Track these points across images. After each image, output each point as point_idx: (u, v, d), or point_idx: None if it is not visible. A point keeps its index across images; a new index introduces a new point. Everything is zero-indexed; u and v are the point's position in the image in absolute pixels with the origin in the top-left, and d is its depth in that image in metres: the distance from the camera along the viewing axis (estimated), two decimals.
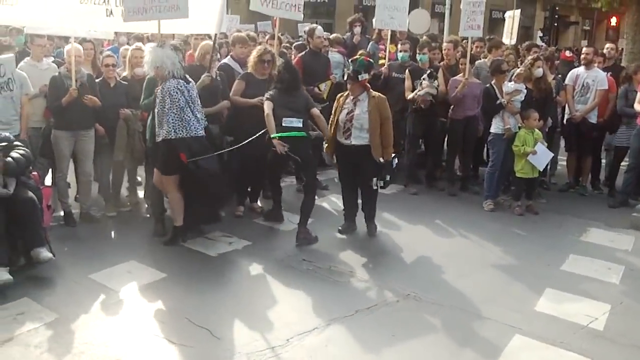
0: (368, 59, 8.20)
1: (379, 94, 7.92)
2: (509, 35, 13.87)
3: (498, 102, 9.38)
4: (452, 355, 5.40)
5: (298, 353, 5.32)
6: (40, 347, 5.26)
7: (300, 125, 7.72)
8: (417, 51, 10.46)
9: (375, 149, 7.69)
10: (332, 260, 7.26)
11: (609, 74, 10.66)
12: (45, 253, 6.52)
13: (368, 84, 7.86)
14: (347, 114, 7.79)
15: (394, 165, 7.89)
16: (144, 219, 8.40)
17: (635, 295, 6.74)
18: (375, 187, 7.86)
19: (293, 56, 10.43)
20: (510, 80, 9.66)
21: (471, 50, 10.49)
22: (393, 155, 7.85)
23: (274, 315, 5.97)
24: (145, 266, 6.89)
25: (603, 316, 6.17)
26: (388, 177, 7.80)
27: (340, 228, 8.20)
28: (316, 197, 8.37)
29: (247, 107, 8.27)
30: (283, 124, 7.61)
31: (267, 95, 7.81)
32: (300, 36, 13.65)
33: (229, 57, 9.31)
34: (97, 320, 5.76)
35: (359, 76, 7.70)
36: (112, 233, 8.08)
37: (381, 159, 7.69)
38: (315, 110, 8.01)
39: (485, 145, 10.51)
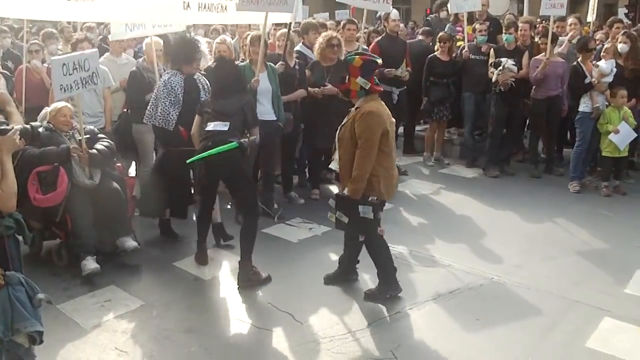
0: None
1: (371, 106, 5.65)
2: (593, 12, 13.42)
3: (587, 81, 9.07)
4: (540, 339, 5.26)
5: (379, 337, 5.28)
6: (127, 333, 5.39)
7: (225, 129, 6.32)
8: (504, 31, 10.27)
9: (342, 178, 5.87)
10: (413, 245, 7.17)
11: None
12: (130, 242, 6.68)
13: (352, 89, 5.73)
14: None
15: (364, 213, 5.67)
16: (225, 208, 8.47)
17: None
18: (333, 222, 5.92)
19: (372, 41, 10.38)
20: (598, 58, 9.35)
21: (552, 30, 10.18)
22: (371, 198, 5.68)
23: (355, 300, 5.94)
24: (228, 252, 6.96)
25: None
26: (344, 218, 5.75)
27: (325, 276, 6.37)
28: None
29: (318, 97, 8.40)
30: (207, 128, 6.42)
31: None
32: (377, 22, 13.58)
33: (300, 44, 9.33)
34: (181, 307, 5.85)
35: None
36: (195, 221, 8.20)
37: (344, 192, 5.74)
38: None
39: (570, 126, 10.20)
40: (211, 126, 6.37)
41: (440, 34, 10.65)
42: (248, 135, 6.56)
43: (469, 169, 10.36)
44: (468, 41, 10.62)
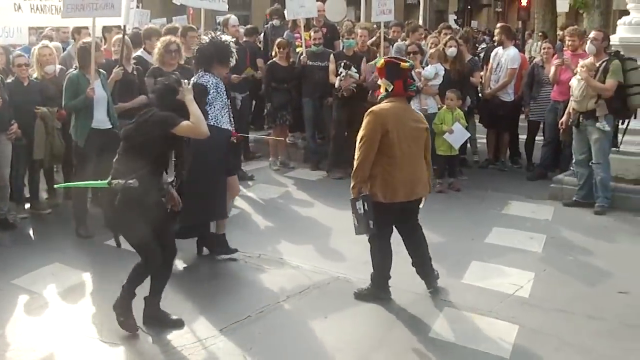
0: None
1: (379, 106, 5.91)
2: (423, 19, 14.18)
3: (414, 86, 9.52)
4: (386, 331, 5.50)
5: (232, 342, 5.30)
6: None
7: (114, 159, 5.36)
8: (346, 36, 10.59)
9: None
10: (261, 249, 7.23)
11: None
12: None
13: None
14: None
15: (359, 209, 5.78)
16: (65, 220, 8.16)
17: (556, 263, 6.98)
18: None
19: None
20: (425, 62, 9.86)
21: (388, 35, 10.63)
22: (362, 194, 5.79)
23: (206, 307, 5.91)
24: (70, 267, 6.72)
25: (528, 284, 6.38)
26: (355, 221, 5.88)
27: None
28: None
29: None
30: None
31: None
32: (217, 28, 13.55)
33: (142, 50, 9.16)
34: (23, 326, 5.60)
35: None
36: (33, 237, 7.86)
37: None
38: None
39: None
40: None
41: (278, 39, 10.79)
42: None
43: (313, 171, 10.59)
44: (306, 47, 10.84)
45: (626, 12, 9.77)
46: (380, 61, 5.97)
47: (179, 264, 6.86)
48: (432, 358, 5.11)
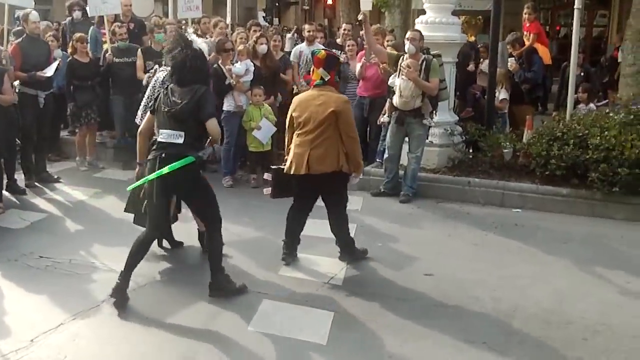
0: None
1: (304, 93, 6.72)
2: (229, 15, 14.28)
3: (227, 82, 9.57)
4: (207, 326, 5.51)
5: (45, 352, 5.07)
6: None
7: (180, 141, 5.69)
8: (155, 30, 10.41)
9: None
10: (72, 254, 6.96)
11: None
12: None
13: None
14: None
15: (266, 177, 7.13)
16: None
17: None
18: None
19: (11, 44, 9.78)
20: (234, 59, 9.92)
21: (197, 31, 10.57)
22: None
23: (15, 317, 5.61)
24: None
25: (341, 272, 6.65)
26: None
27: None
28: None
29: None
30: (160, 137, 5.84)
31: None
32: (16, 23, 12.80)
33: None
34: None
35: None
36: None
37: None
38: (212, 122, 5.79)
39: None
40: (164, 135, 5.75)
41: (77, 34, 10.38)
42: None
43: (124, 171, 10.29)
44: (111, 44, 10.54)
45: (424, 12, 10.33)
46: (321, 52, 6.55)
47: None
48: (252, 351, 5.16)
